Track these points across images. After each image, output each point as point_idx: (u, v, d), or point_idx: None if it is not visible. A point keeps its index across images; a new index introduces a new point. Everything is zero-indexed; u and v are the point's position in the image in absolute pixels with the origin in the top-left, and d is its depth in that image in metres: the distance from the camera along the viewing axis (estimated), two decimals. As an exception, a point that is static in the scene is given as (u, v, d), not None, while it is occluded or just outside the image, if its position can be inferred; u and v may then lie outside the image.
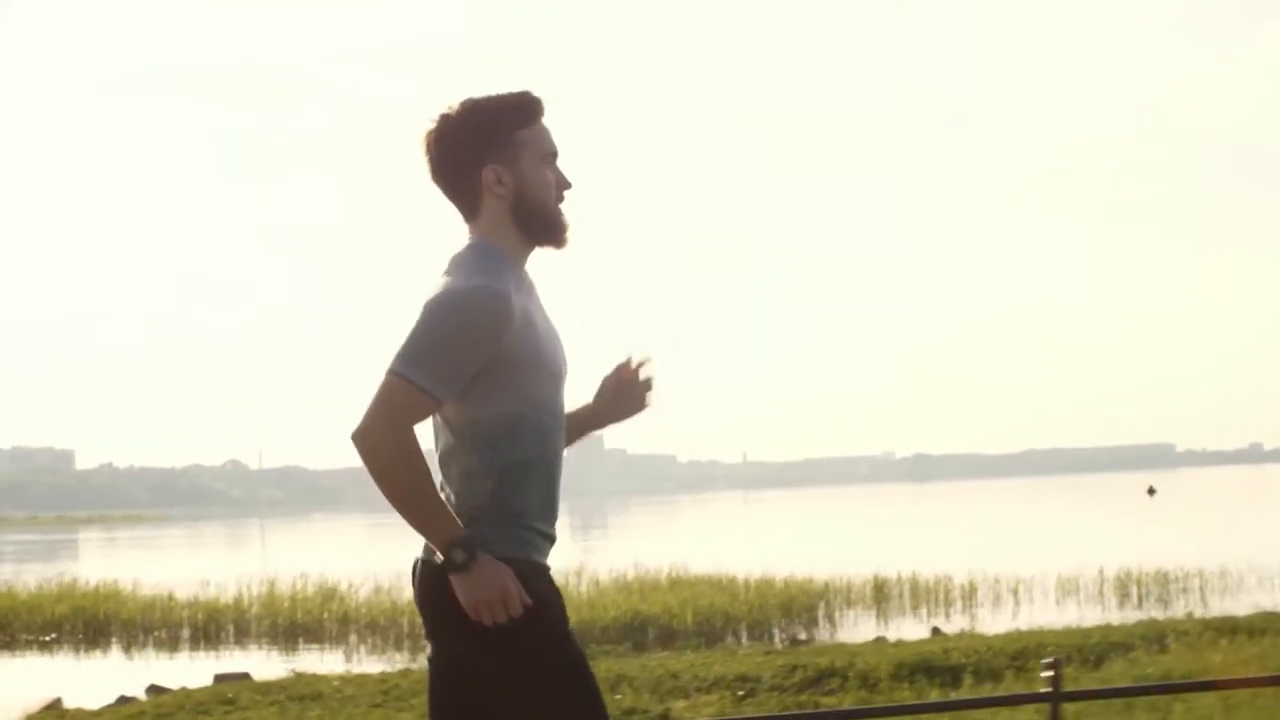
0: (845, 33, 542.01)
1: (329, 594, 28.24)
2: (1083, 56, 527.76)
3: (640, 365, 4.11)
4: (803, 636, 22.55)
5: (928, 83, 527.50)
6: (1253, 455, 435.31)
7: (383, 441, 3.59)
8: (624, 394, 4.13)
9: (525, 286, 3.85)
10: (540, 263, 3.95)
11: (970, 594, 27.15)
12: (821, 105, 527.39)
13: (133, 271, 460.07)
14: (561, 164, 3.92)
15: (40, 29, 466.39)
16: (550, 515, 3.82)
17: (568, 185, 3.90)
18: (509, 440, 3.72)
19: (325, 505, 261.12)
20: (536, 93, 3.86)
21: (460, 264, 3.78)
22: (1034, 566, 29.01)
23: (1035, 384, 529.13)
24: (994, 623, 22.54)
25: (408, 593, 24.38)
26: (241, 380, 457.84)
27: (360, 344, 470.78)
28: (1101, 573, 27.36)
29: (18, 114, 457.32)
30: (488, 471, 3.73)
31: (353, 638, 25.40)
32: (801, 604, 25.18)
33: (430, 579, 3.73)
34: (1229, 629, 16.12)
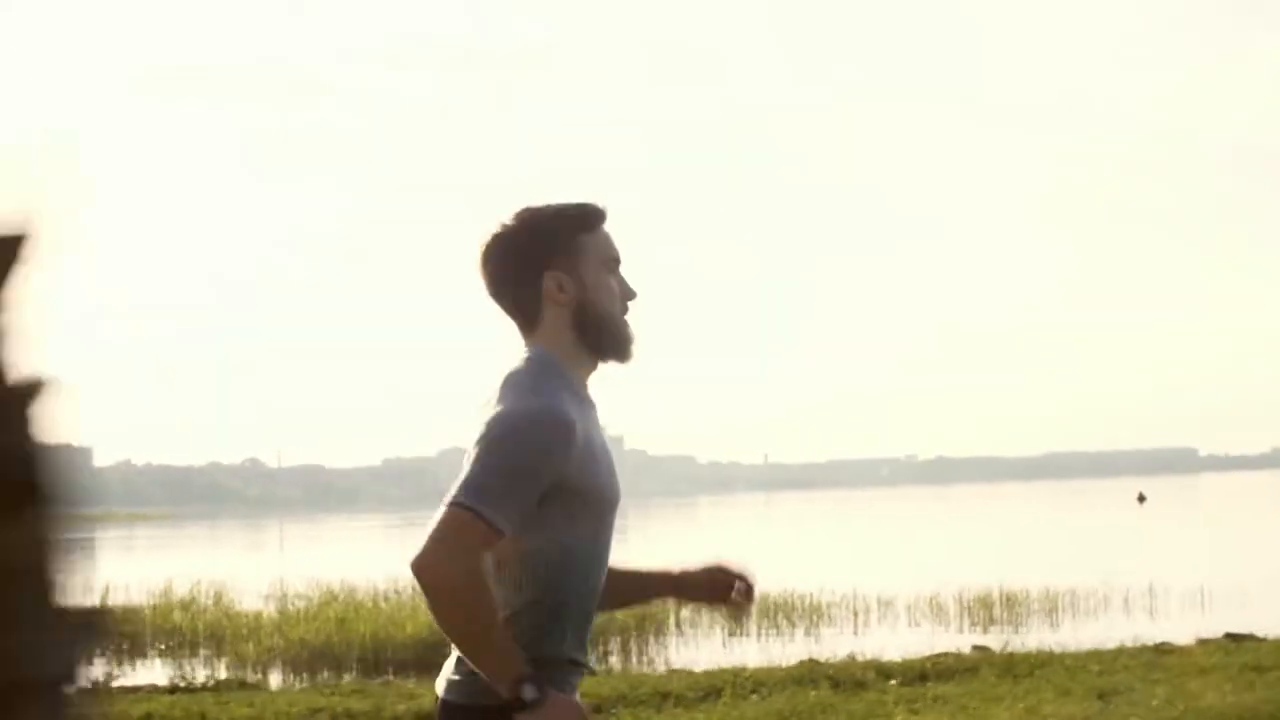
0: (856, 39, 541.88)
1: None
2: (1097, 59, 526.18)
3: (747, 585, 3.96)
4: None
5: (949, 88, 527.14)
6: (1275, 460, 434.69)
7: (447, 577, 3.37)
8: (719, 592, 3.99)
9: (586, 405, 3.61)
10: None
11: (814, 614, 25.27)
12: (844, 108, 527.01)
13: (154, 269, 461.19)
14: (624, 270, 3.70)
15: (62, 29, 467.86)
16: (585, 644, 3.63)
17: (632, 295, 3.69)
18: (556, 573, 3.54)
19: (342, 505, 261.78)
20: (598, 202, 3.68)
21: (519, 381, 3.55)
22: (914, 583, 27.20)
23: (1058, 387, 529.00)
24: (784, 650, 20.54)
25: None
26: (263, 378, 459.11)
27: (381, 344, 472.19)
28: (960, 593, 25.55)
29: (40, 112, 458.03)
30: (529, 603, 3.53)
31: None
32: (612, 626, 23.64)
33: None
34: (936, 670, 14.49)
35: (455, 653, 3.53)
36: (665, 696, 13.39)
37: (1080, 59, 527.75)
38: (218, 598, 26.17)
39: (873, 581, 27.13)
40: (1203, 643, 16.72)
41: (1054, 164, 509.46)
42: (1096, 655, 15.46)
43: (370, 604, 23.71)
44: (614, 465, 3.69)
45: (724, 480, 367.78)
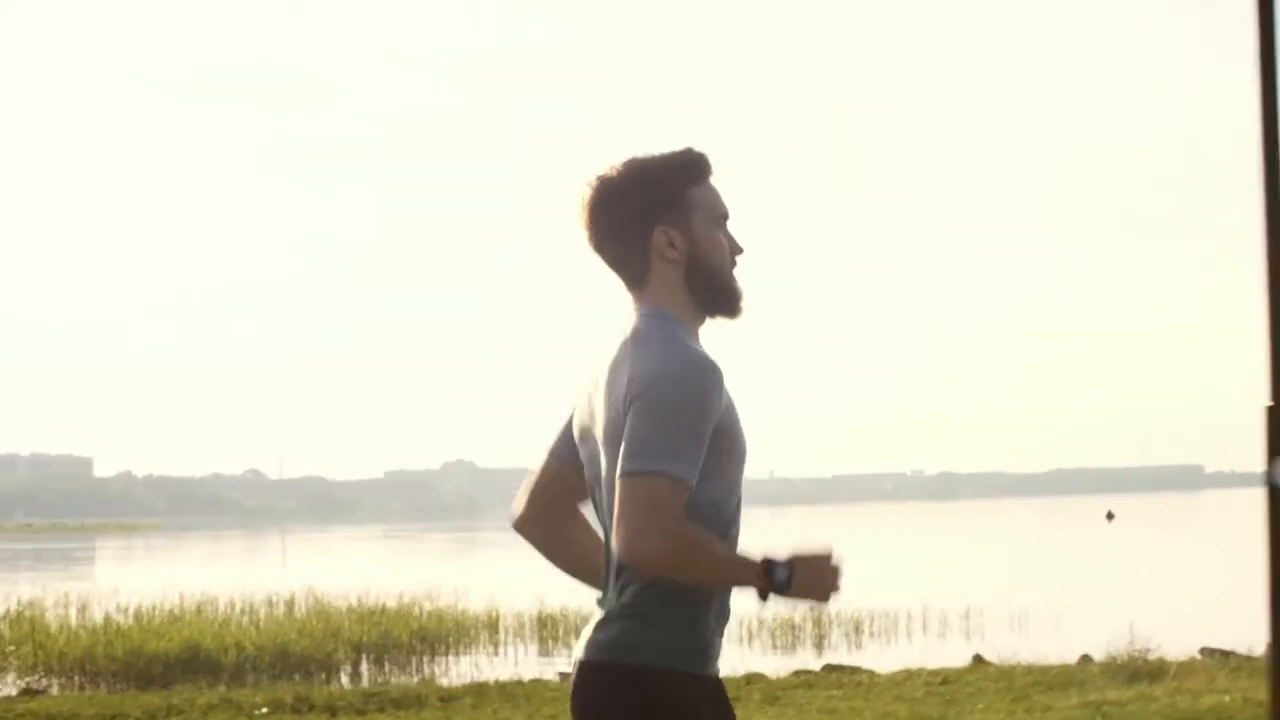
0: (861, 45, 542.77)
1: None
2: (1106, 66, 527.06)
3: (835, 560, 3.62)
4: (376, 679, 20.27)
5: (954, 98, 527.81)
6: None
7: (665, 549, 3.27)
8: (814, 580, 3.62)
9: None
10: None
11: None
12: (848, 114, 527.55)
13: (157, 277, 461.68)
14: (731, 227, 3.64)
15: (74, 29, 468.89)
16: (724, 616, 3.52)
17: (740, 250, 3.63)
18: (712, 522, 3.42)
19: (342, 516, 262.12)
20: (703, 150, 3.60)
21: (650, 336, 3.45)
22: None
23: (1064, 403, 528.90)
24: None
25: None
26: (264, 389, 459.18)
27: (387, 355, 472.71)
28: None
29: (44, 115, 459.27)
30: None
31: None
32: (436, 635, 23.57)
33: (599, 684, 3.42)
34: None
35: (597, 614, 3.47)
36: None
37: (1089, 66, 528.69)
38: (33, 609, 25.66)
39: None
40: (925, 671, 16.24)
41: (1065, 175, 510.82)
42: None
43: (193, 615, 23.89)
44: (740, 420, 3.58)
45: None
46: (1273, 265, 3.38)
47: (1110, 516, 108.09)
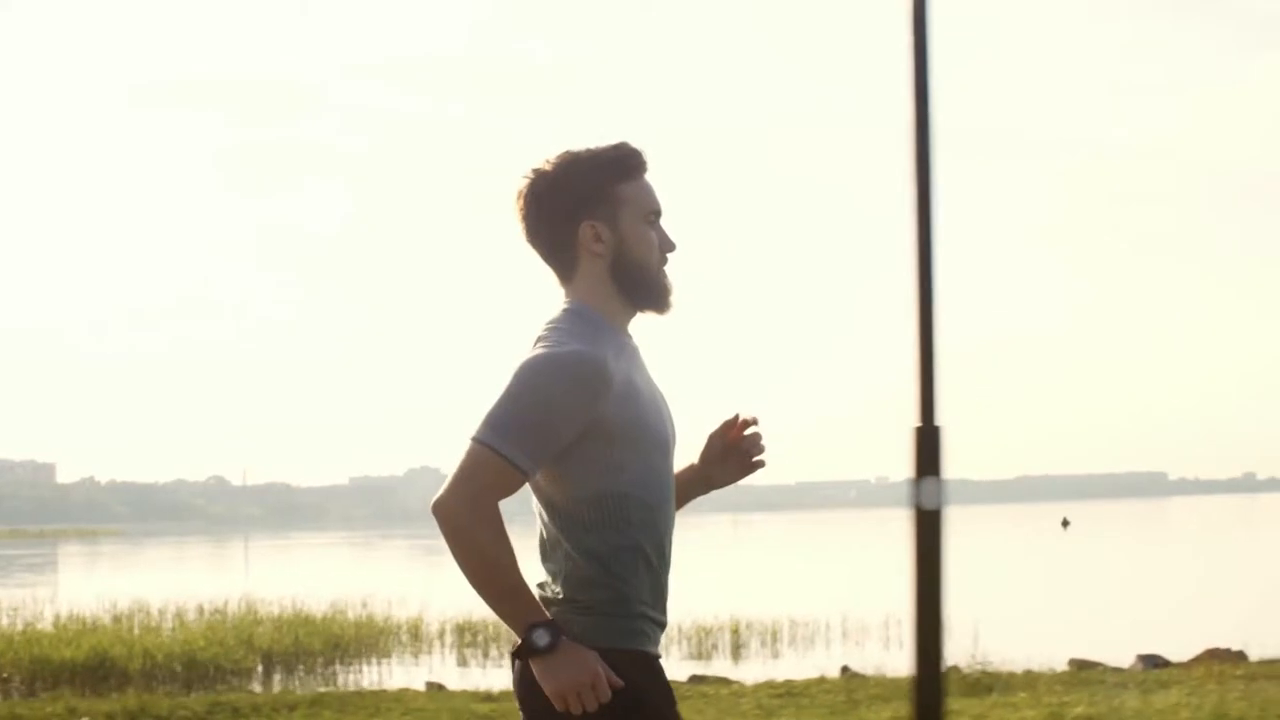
0: (855, 62, 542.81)
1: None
2: (1086, 86, 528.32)
3: (748, 423, 3.81)
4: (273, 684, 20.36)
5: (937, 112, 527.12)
6: (1246, 485, 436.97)
7: (462, 514, 3.36)
8: (732, 454, 3.86)
9: (627, 352, 3.58)
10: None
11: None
12: (833, 132, 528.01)
13: (122, 284, 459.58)
14: (665, 223, 3.67)
15: (47, 41, 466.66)
16: (661, 600, 3.58)
17: (671, 246, 3.66)
18: (617, 521, 3.48)
19: (306, 523, 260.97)
20: (638, 146, 3.63)
21: (556, 328, 3.53)
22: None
23: (1029, 410, 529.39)
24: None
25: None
26: (229, 395, 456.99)
27: (351, 362, 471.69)
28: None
29: (5, 125, 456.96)
30: (595, 556, 3.49)
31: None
32: (352, 641, 23.67)
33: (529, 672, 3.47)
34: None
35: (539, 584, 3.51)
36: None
37: (1076, 85, 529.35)
38: None
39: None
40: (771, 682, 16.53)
41: (1033, 194, 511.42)
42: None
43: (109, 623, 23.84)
44: (667, 410, 3.64)
45: (693, 502, 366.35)
46: (922, 290, 3.47)
47: (1066, 524, 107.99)
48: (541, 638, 3.38)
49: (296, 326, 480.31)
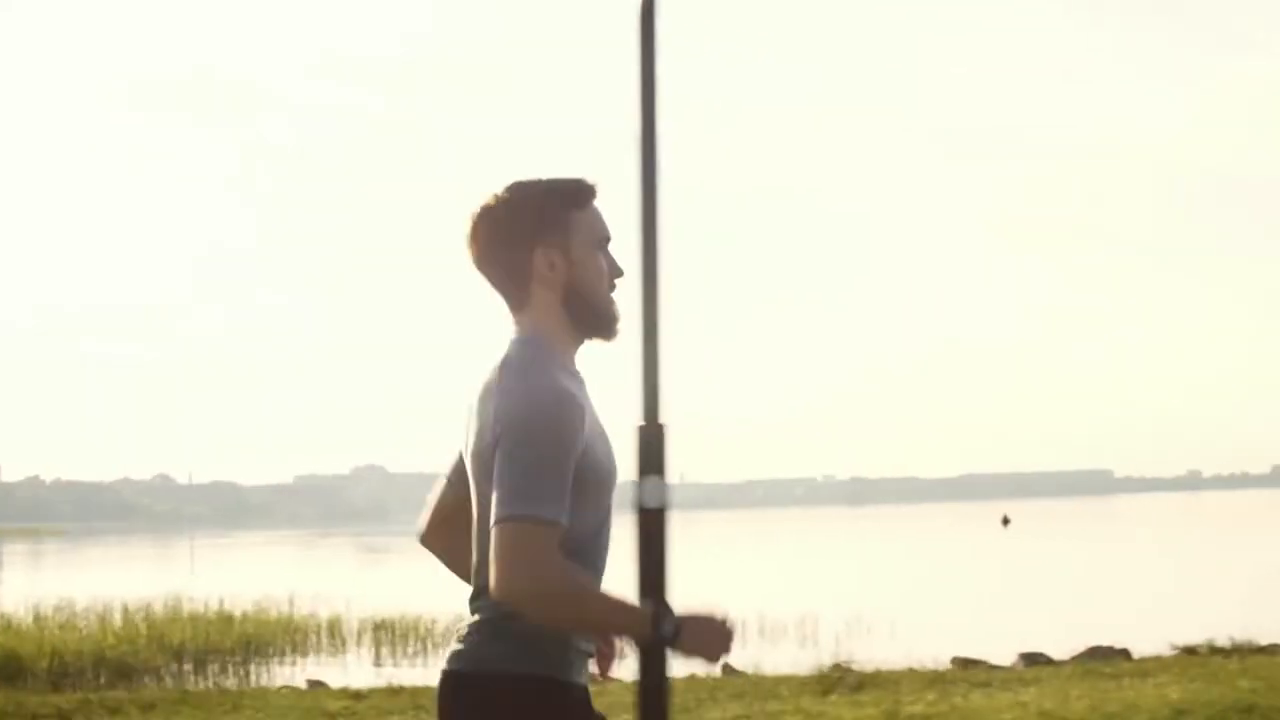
0: (816, 55, 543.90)
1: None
2: (1047, 88, 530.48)
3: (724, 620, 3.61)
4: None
5: (881, 110, 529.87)
6: (1191, 483, 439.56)
7: (535, 591, 3.33)
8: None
9: (578, 381, 3.59)
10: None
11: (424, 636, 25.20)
12: (782, 127, 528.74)
13: (67, 283, 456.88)
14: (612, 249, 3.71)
15: (14, 44, 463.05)
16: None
17: (620, 273, 3.67)
18: (572, 554, 3.44)
19: (252, 522, 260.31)
20: (590, 179, 3.67)
21: (518, 367, 3.50)
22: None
23: (975, 408, 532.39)
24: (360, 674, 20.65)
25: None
26: (174, 394, 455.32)
27: (299, 360, 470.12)
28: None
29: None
30: None
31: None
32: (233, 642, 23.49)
33: (457, 692, 3.50)
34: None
35: (466, 622, 3.53)
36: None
37: (1037, 87, 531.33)
38: None
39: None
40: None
41: (985, 186, 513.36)
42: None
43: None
44: (610, 444, 3.65)
45: (633, 499, 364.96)
46: (647, 291, 3.48)
47: (1006, 521, 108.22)
48: (667, 627, 3.37)
49: (244, 326, 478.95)
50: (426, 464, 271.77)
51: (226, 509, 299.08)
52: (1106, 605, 31.24)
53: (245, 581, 37.20)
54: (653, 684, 3.68)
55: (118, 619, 24.44)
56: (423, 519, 3.82)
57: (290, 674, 21.02)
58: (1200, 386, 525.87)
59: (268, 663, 22.91)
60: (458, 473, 3.71)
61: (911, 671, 16.07)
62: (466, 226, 3.63)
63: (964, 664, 17.89)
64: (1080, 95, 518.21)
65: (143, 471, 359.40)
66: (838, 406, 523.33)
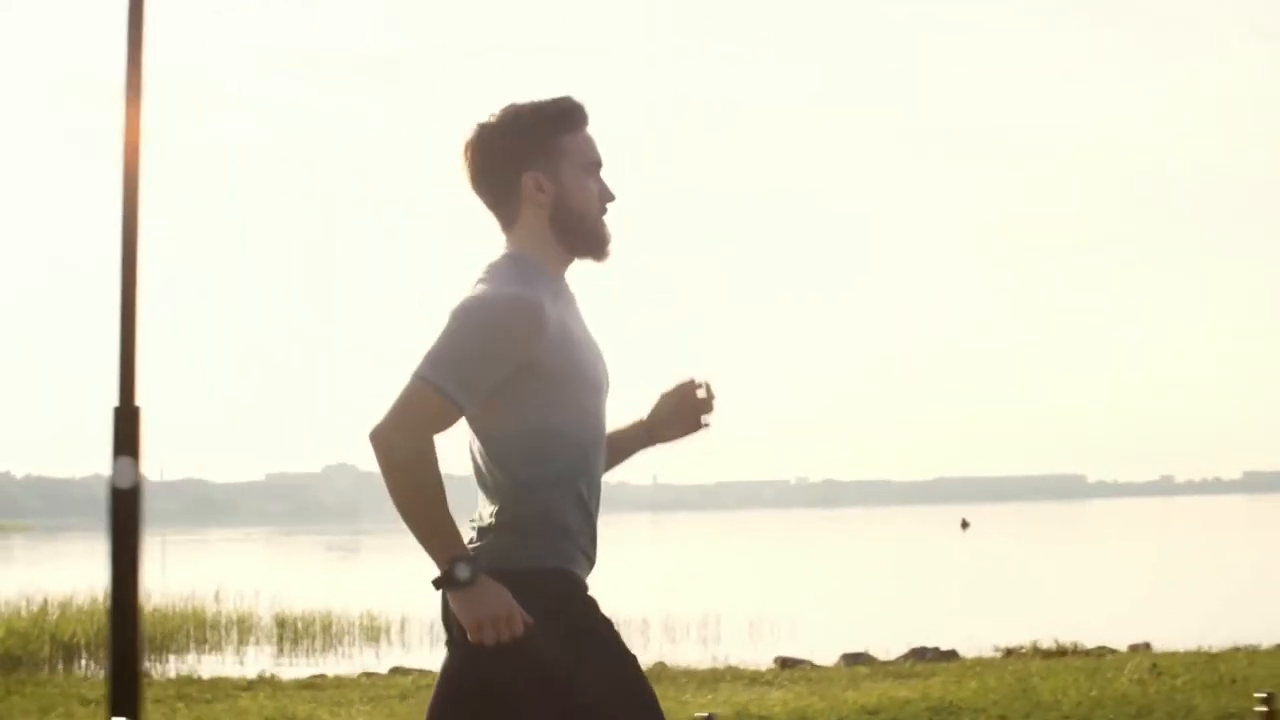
0: (798, 59, 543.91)
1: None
2: (1011, 92, 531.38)
3: (702, 386, 4.03)
4: None
5: (855, 112, 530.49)
6: (1163, 488, 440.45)
7: (398, 445, 3.53)
8: (683, 411, 4.07)
9: (564, 298, 3.76)
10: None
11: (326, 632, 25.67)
12: (764, 126, 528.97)
13: (38, 275, 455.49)
14: (605, 175, 3.84)
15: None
16: (590, 534, 3.72)
17: (610, 197, 3.82)
18: (548, 455, 3.65)
19: (222, 519, 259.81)
20: (580, 99, 3.79)
21: (495, 272, 3.71)
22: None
23: (949, 413, 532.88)
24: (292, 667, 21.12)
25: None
26: (145, 390, 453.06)
27: (271, 357, 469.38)
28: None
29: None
30: (527, 486, 3.65)
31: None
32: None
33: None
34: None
35: (475, 524, 3.67)
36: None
37: (1012, 84, 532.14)
38: None
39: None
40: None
41: (957, 200, 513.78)
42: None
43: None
44: (600, 355, 3.79)
45: (611, 500, 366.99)
46: (125, 273, 3.55)
47: (965, 525, 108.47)
48: (462, 571, 3.51)
49: (214, 321, 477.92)
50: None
51: (196, 506, 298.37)
52: (975, 606, 31.86)
53: (191, 577, 37.19)
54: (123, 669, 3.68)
55: (33, 612, 24.57)
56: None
57: (189, 667, 21.27)
58: (1174, 392, 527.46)
59: (161, 655, 23.15)
60: None
61: (731, 669, 16.66)
62: (461, 149, 3.80)
63: (785, 663, 18.29)
64: (1070, 95, 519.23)
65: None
66: (812, 409, 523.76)
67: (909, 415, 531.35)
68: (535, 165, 3.75)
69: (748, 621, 26.36)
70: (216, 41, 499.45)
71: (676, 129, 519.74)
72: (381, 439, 3.55)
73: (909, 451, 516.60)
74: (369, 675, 17.51)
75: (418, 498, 3.55)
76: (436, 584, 3.59)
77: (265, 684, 15.63)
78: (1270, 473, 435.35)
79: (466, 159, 3.80)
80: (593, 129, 3.84)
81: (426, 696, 13.08)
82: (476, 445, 3.74)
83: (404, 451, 3.53)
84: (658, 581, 39.72)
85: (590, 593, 3.74)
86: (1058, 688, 13.21)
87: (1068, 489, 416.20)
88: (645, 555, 66.70)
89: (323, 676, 17.55)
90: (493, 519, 3.69)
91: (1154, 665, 15.04)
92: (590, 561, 3.74)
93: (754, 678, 15.59)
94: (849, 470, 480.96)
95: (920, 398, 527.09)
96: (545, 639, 3.57)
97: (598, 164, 3.83)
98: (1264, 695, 8.16)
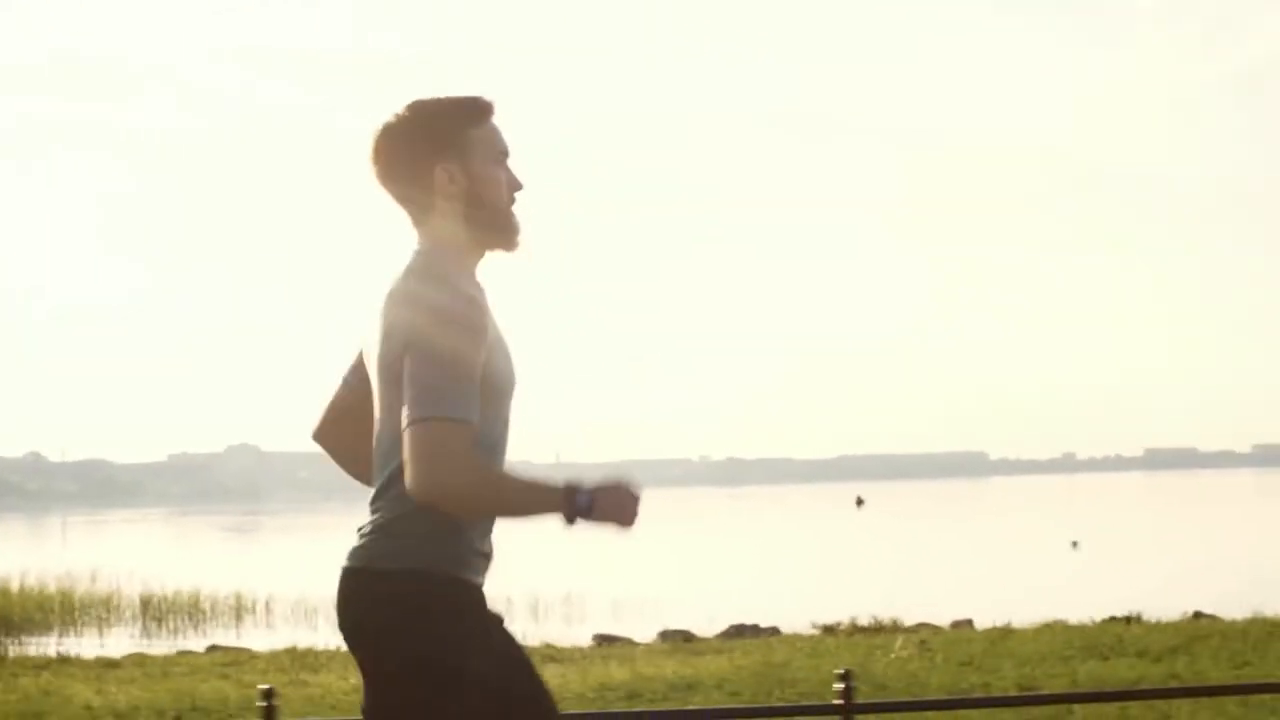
0: (715, 58, 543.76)
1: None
2: (940, 78, 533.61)
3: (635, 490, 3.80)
4: None
5: (773, 97, 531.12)
6: (1065, 465, 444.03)
7: (455, 486, 3.48)
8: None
9: (479, 291, 3.73)
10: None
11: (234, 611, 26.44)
12: (694, 125, 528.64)
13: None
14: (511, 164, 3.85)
15: None
16: (488, 533, 3.71)
17: (519, 186, 3.84)
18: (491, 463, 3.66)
19: (124, 500, 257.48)
20: (486, 95, 3.82)
21: (425, 276, 3.66)
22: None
23: (851, 392, 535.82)
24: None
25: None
26: (47, 370, 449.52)
27: (171, 336, 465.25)
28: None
29: None
30: None
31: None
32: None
33: (359, 588, 3.60)
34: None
35: (368, 521, 3.63)
36: None
37: (934, 73, 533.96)
38: None
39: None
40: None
41: (871, 182, 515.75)
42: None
43: None
44: (510, 352, 3.75)
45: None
46: None
47: (860, 503, 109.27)
48: (582, 499, 3.54)
49: (118, 303, 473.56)
50: (300, 443, 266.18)
51: (97, 487, 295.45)
52: (820, 583, 32.04)
53: (72, 559, 37.32)
54: None
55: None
56: (317, 418, 3.98)
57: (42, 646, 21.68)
58: (1075, 370, 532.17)
59: (18, 635, 23.34)
60: (356, 374, 3.91)
61: (548, 647, 17.12)
62: (369, 144, 3.78)
63: (602, 640, 18.67)
64: (973, 89, 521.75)
65: (14, 449, 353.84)
66: (717, 388, 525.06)
67: (812, 394, 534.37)
68: (446, 157, 3.76)
69: (612, 601, 26.73)
70: (200, 39, 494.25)
71: (577, 126, 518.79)
72: (439, 493, 3.50)
73: (812, 429, 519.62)
74: (184, 654, 18.21)
75: (505, 500, 3.56)
76: (570, 520, 3.59)
77: (66, 663, 16.15)
78: (1171, 449, 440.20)
79: (375, 153, 3.78)
80: (497, 120, 3.85)
81: (187, 673, 13.82)
82: (384, 438, 3.68)
83: (466, 488, 3.50)
84: (541, 562, 40.22)
85: (485, 600, 3.71)
86: (817, 665, 13.62)
87: (970, 466, 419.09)
88: (542, 535, 67.00)
89: (143, 655, 18.12)
90: (392, 515, 3.64)
91: (923, 642, 15.41)
92: (488, 560, 3.73)
93: (548, 655, 16.02)
94: (753, 448, 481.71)
95: (823, 376, 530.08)
96: (445, 644, 3.56)
97: (506, 153, 3.85)
98: (841, 672, 7.22)
